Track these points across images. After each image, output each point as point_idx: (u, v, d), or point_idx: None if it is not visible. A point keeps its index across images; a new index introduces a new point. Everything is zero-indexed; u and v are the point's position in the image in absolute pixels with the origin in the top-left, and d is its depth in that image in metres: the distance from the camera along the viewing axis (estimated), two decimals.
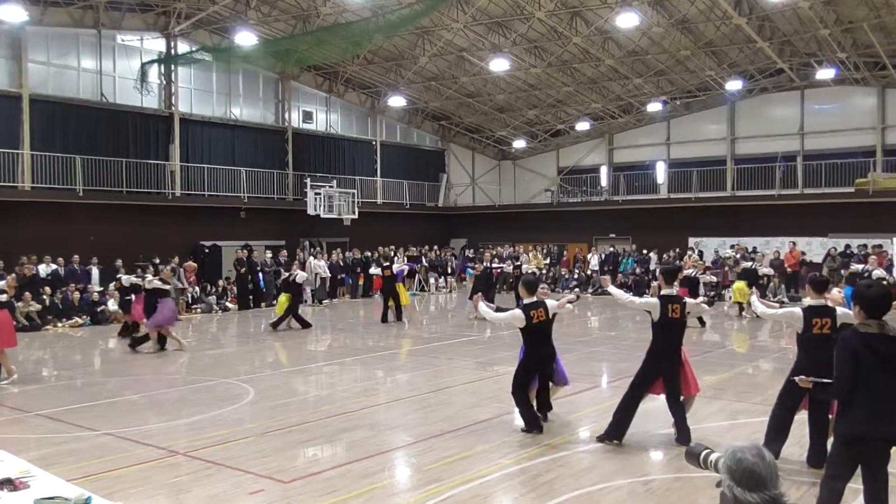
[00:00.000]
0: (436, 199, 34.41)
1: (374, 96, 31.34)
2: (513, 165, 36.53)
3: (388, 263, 19.39)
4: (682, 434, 7.24)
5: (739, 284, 19.24)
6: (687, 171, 29.90)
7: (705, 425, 8.04)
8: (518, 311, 8.00)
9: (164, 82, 24.91)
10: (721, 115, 30.44)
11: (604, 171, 33.12)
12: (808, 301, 6.61)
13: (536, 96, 30.42)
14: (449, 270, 29.74)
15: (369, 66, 28.34)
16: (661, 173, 31.46)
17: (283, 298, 17.66)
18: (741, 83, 27.52)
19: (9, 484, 3.63)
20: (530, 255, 28.40)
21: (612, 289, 8.17)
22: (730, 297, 23.25)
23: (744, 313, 18.79)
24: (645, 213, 29.51)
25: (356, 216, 27.32)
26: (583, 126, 32.57)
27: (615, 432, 7.33)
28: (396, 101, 30.55)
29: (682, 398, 7.45)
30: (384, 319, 18.45)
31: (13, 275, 13.75)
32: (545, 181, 34.60)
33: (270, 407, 9.45)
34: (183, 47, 25.11)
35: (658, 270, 9.37)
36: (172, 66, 24.85)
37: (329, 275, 24.67)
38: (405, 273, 20.98)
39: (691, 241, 27.62)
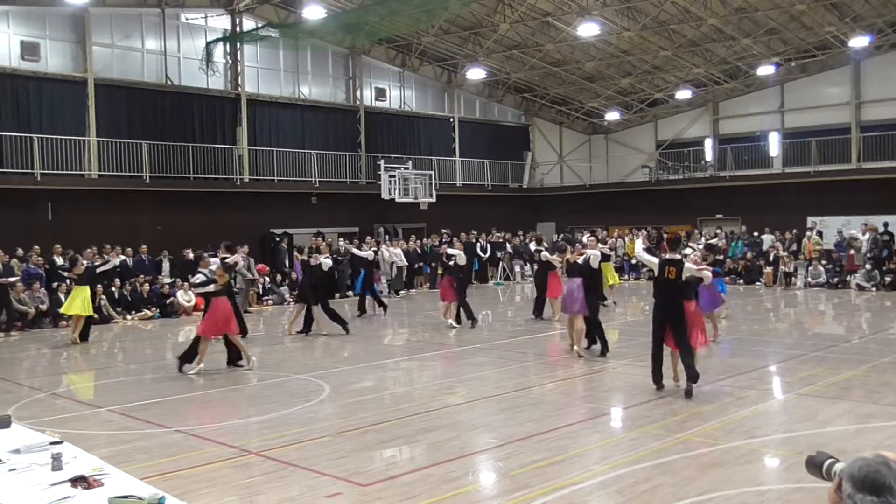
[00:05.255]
0: (520, 179, 34.24)
1: (451, 69, 31.38)
2: (605, 140, 35.95)
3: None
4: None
5: None
6: (804, 141, 28.87)
7: (829, 429, 7.75)
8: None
9: (230, 62, 25.62)
10: (844, 76, 29.13)
11: (708, 143, 32.21)
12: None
13: (630, 63, 29.79)
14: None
15: (445, 36, 28.36)
16: (774, 145, 30.36)
17: (78, 295, 15.58)
18: (868, 39, 26.22)
19: (83, 482, 3.82)
20: (626, 239, 27.85)
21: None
22: (856, 285, 22.32)
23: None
24: (756, 191, 28.65)
25: (433, 199, 27.45)
26: (683, 94, 31.72)
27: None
28: (475, 74, 30.49)
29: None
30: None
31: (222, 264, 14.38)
32: (642, 157, 33.92)
33: (346, 405, 9.65)
34: (248, 24, 25.72)
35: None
36: (238, 45, 25.54)
37: (406, 263, 24.90)
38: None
39: (810, 220, 26.62)
